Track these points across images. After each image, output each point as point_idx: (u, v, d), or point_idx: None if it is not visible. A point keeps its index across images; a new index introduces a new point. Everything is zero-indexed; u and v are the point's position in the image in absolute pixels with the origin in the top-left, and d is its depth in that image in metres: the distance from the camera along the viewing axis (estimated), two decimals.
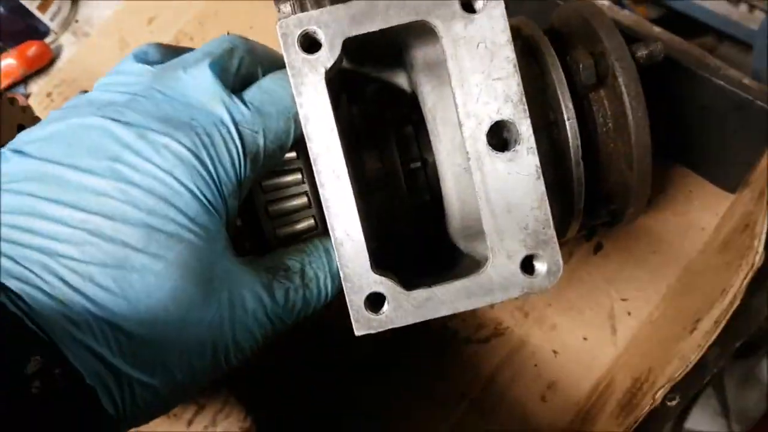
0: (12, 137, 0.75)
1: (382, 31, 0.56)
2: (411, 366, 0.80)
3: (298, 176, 0.63)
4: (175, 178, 0.46)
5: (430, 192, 0.68)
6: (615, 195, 0.68)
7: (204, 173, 0.47)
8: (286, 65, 0.53)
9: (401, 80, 0.73)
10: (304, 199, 0.64)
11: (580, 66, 0.63)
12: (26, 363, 0.37)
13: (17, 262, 0.42)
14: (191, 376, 0.48)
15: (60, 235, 0.43)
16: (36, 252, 0.42)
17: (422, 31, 0.60)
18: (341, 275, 0.54)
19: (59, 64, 1.19)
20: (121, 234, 0.44)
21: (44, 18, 1.19)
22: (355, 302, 0.53)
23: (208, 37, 1.07)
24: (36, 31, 1.22)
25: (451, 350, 0.80)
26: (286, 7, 0.55)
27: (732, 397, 1.73)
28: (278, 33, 0.53)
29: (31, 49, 1.18)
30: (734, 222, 0.74)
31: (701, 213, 0.79)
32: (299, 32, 0.52)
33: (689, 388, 0.69)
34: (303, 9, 0.58)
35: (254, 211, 0.62)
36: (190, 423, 0.85)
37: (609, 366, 0.74)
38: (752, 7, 1.18)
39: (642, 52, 0.64)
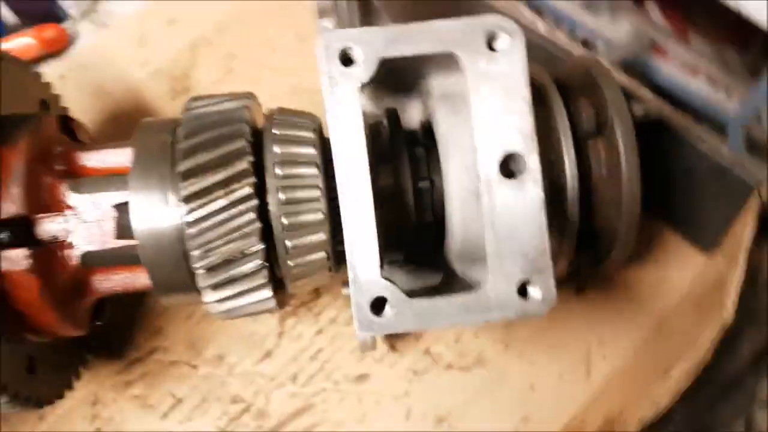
0: (33, 110, 0.77)
1: (409, 58, 0.61)
2: (389, 385, 0.82)
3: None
4: None
5: (434, 212, 0.71)
6: (602, 238, 0.73)
7: None
8: (323, 75, 0.57)
9: (413, 109, 0.78)
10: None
11: (582, 115, 0.69)
12: None
13: None
14: None
15: None
16: None
17: (444, 64, 0.65)
18: (350, 276, 0.56)
19: (74, 49, 1.19)
20: None
21: (65, 3, 1.21)
22: (360, 304, 0.56)
23: (227, 44, 1.13)
24: (55, 14, 1.23)
25: (433, 374, 0.82)
26: (329, 23, 0.59)
27: None
28: (320, 45, 0.57)
29: (49, 31, 1.18)
30: (707, 283, 0.79)
31: (677, 270, 0.84)
32: (340, 47, 0.57)
33: None
34: (342, 26, 0.62)
35: None
36: (164, 416, 0.85)
37: (582, 405, 0.77)
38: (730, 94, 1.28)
39: (638, 109, 0.70)
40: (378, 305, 0.56)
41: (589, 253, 0.75)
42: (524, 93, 0.57)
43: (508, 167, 0.57)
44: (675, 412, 0.62)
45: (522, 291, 0.56)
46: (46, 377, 0.74)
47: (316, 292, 0.92)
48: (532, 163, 0.56)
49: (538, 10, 1.63)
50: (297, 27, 1.13)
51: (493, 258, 0.57)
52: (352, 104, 0.56)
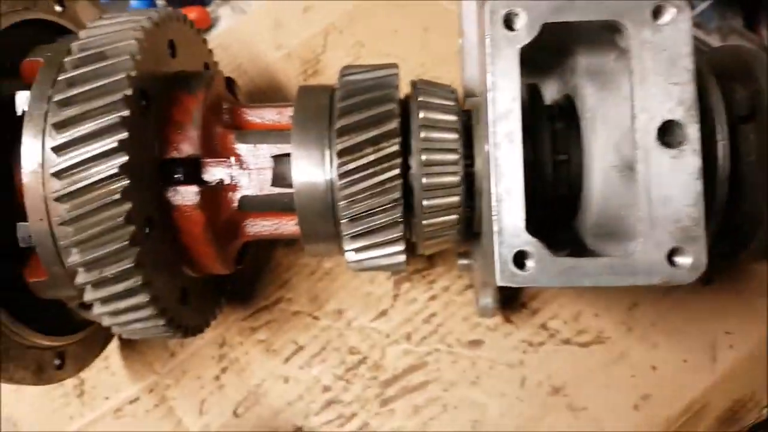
0: (198, 68, 0.85)
1: (562, 33, 0.63)
2: (503, 353, 0.84)
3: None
4: None
5: (569, 185, 0.72)
6: (744, 225, 0.71)
7: None
8: (487, 38, 0.60)
9: (547, 88, 0.80)
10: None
11: (736, 96, 0.68)
12: None
13: None
14: None
15: None
16: None
17: (597, 40, 0.67)
18: (495, 228, 0.59)
19: (215, 31, 1.31)
20: None
21: None
22: (503, 255, 0.59)
23: (356, 33, 1.19)
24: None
25: (549, 347, 0.83)
26: None
27: None
28: (486, 10, 0.60)
29: (193, 12, 1.31)
30: None
31: None
32: (505, 11, 0.59)
33: None
34: None
35: None
36: (286, 360, 0.91)
37: (705, 389, 0.76)
38: None
39: None
40: (521, 259, 0.58)
41: (725, 244, 0.73)
42: (687, 64, 0.57)
43: (666, 137, 0.58)
44: None
45: (671, 258, 0.57)
46: (194, 310, 0.81)
47: (431, 262, 0.95)
48: (693, 132, 0.57)
49: None
50: (424, 20, 1.17)
51: (645, 223, 0.57)
52: (512, 66, 0.59)
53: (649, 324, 0.82)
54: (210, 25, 1.34)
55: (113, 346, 0.99)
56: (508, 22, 0.60)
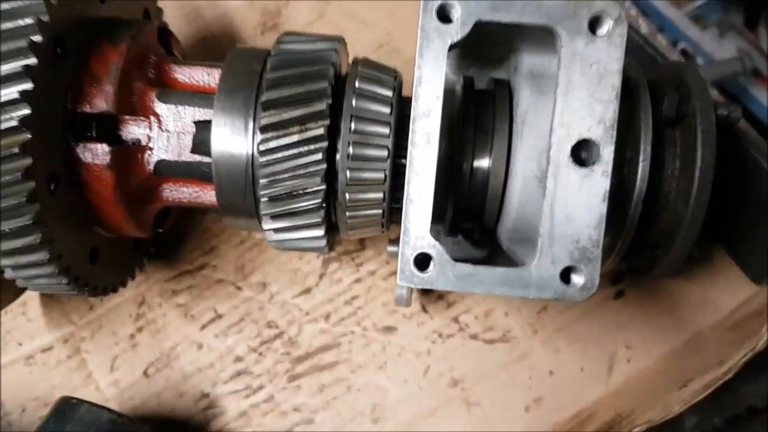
0: (134, 16, 0.81)
1: (505, 28, 0.61)
2: (413, 341, 0.85)
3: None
4: None
5: (490, 189, 0.71)
6: (663, 237, 0.70)
7: None
8: (419, 28, 0.58)
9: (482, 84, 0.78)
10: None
11: (665, 100, 0.67)
12: None
13: None
14: None
15: None
16: None
17: (540, 41, 0.65)
18: (402, 228, 0.59)
19: None
20: None
21: None
22: (406, 256, 0.58)
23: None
24: None
25: (457, 340, 0.85)
26: None
27: None
28: None
29: None
30: (750, 309, 0.78)
31: (722, 293, 0.83)
32: (440, 1, 0.58)
33: None
34: None
35: None
36: (203, 327, 0.90)
37: (596, 400, 0.79)
38: None
39: (722, 111, 0.69)
40: (422, 261, 0.58)
41: (645, 254, 0.73)
42: (615, 82, 0.57)
43: (581, 154, 0.58)
44: (686, 421, 0.63)
45: (565, 276, 0.57)
46: (105, 270, 0.79)
47: (361, 244, 0.95)
48: (607, 154, 0.56)
49: (644, 11, 1.56)
50: None
51: (545, 239, 0.58)
52: (440, 61, 0.58)
53: (554, 329, 0.84)
54: None
55: (33, 292, 0.96)
56: (442, 13, 0.58)
